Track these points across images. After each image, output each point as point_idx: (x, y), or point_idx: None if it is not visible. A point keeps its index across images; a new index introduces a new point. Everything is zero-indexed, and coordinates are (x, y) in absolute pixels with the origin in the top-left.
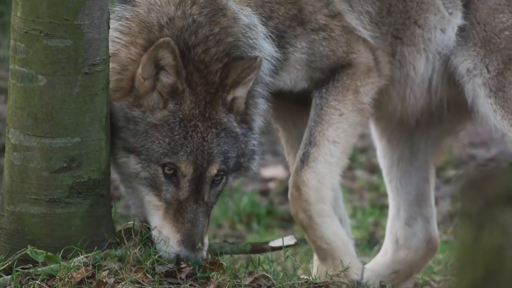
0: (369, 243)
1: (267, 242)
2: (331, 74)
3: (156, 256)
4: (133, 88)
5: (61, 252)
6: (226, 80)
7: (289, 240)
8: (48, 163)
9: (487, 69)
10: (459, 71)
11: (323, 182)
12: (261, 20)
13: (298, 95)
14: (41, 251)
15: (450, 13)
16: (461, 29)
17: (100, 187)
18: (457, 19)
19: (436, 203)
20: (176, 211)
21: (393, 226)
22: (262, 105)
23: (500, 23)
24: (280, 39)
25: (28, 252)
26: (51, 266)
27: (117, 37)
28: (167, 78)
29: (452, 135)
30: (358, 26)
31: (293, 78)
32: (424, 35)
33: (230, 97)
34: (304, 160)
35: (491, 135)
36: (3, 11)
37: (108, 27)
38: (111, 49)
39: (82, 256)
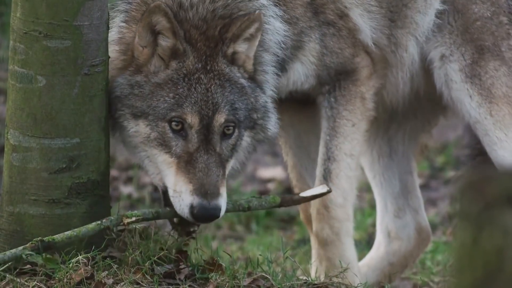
0: (368, 244)
1: (298, 194)
2: (336, 79)
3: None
4: (133, 59)
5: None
6: (226, 34)
7: (322, 188)
8: (48, 163)
9: (463, 57)
10: (431, 56)
11: (347, 198)
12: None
13: (297, 94)
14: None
15: None
16: (440, 14)
17: (99, 188)
18: (437, 3)
19: (435, 204)
20: (187, 163)
21: (382, 220)
22: (271, 75)
23: (473, 14)
24: (295, 26)
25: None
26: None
27: (122, 25)
28: (165, 42)
29: (427, 130)
30: (362, 18)
31: (305, 72)
32: (413, 17)
33: (230, 51)
34: (327, 177)
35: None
36: (3, 11)
37: (108, 28)
38: (117, 35)
39: (81, 257)
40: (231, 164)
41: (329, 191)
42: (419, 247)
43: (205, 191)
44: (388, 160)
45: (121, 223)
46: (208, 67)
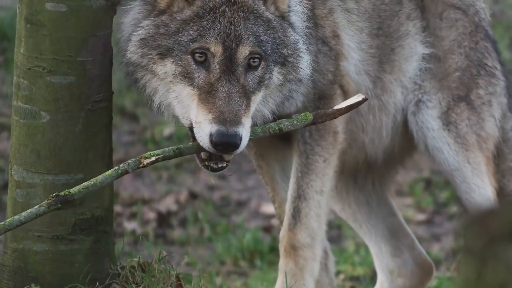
0: (372, 280)
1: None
2: (315, 105)
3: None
4: (155, 7)
5: None
6: None
7: (357, 97)
8: None
9: (440, 104)
10: (408, 100)
11: (315, 238)
12: None
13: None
14: None
15: (420, 42)
16: (422, 59)
17: (103, 224)
18: (421, 48)
19: (439, 239)
20: (208, 94)
21: (381, 261)
22: (303, 22)
23: (454, 63)
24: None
25: None
26: None
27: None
28: None
29: (395, 174)
30: (350, 43)
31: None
32: (400, 63)
33: None
34: (296, 217)
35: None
36: (6, 47)
37: (111, 64)
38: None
39: None
40: (258, 97)
41: (365, 99)
42: (423, 281)
43: (224, 118)
44: (368, 208)
45: (140, 165)
46: (233, 0)
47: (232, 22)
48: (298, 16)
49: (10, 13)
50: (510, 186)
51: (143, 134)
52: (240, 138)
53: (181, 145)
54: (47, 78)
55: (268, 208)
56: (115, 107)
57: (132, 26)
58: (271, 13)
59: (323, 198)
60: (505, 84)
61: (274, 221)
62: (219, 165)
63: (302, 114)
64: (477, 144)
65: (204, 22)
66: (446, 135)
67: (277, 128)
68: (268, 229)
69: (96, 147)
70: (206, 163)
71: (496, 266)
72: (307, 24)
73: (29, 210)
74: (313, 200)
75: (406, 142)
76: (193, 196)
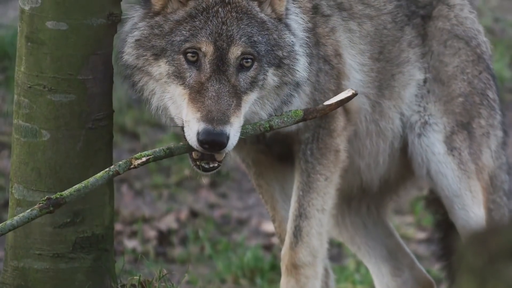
0: None
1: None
2: (317, 125)
3: None
4: (151, 9)
5: None
6: None
7: (347, 92)
8: (52, 218)
9: (445, 128)
10: (411, 123)
11: (317, 256)
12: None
13: (279, 152)
14: None
15: (418, 68)
16: (423, 82)
17: (104, 242)
18: (419, 73)
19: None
20: (198, 93)
21: (381, 282)
22: (300, 24)
23: (457, 88)
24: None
25: None
26: None
27: None
28: None
29: (390, 199)
30: (352, 63)
31: (299, 105)
32: (400, 90)
33: None
34: (297, 235)
35: None
36: (7, 66)
37: (112, 82)
38: None
39: None
40: (251, 98)
41: (355, 94)
42: None
43: (212, 117)
44: (365, 231)
45: (131, 166)
46: (227, 0)
47: (225, 22)
48: (297, 23)
49: (11, 31)
50: (496, 217)
51: None
52: (227, 137)
53: (172, 145)
54: (48, 97)
55: (269, 226)
56: (115, 126)
57: (130, 30)
58: (266, 14)
59: (325, 216)
60: (501, 120)
61: (275, 239)
62: (211, 165)
63: (293, 110)
64: (476, 173)
65: (197, 22)
66: (451, 161)
67: (267, 125)
68: (268, 247)
69: (96, 166)
70: (198, 163)
71: (496, 285)
72: (307, 34)
73: (21, 214)
74: (314, 218)
75: (402, 169)
76: (193, 214)
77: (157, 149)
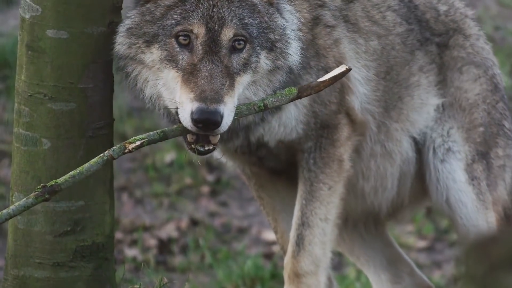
0: None
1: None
2: (319, 134)
3: None
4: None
5: None
6: None
7: (340, 68)
8: (52, 226)
9: (467, 156)
10: (434, 146)
11: (319, 265)
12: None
13: (272, 166)
14: None
15: (433, 95)
16: (442, 108)
17: (104, 251)
18: (435, 99)
19: (441, 266)
20: (190, 74)
21: None
22: (293, 14)
23: (479, 117)
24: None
25: None
26: None
27: None
28: None
29: (387, 221)
30: (357, 76)
31: (296, 116)
32: (409, 114)
33: None
34: (300, 244)
35: None
36: (7, 74)
37: (112, 91)
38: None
39: None
40: (244, 79)
41: (349, 69)
42: None
43: (206, 96)
44: (363, 242)
45: (125, 150)
46: None
47: (216, 5)
48: (289, 12)
49: (12, 39)
50: None
51: (144, 161)
52: (221, 116)
53: (166, 128)
54: (48, 105)
55: (269, 235)
56: (116, 134)
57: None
58: None
59: (328, 226)
60: None
61: (275, 248)
62: (206, 148)
63: (286, 89)
64: (493, 204)
65: (188, 6)
66: (471, 190)
67: (261, 104)
68: (269, 256)
69: (97, 174)
70: (193, 146)
71: None
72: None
73: (17, 203)
74: (317, 227)
75: (417, 195)
76: (194, 223)
77: (151, 133)
